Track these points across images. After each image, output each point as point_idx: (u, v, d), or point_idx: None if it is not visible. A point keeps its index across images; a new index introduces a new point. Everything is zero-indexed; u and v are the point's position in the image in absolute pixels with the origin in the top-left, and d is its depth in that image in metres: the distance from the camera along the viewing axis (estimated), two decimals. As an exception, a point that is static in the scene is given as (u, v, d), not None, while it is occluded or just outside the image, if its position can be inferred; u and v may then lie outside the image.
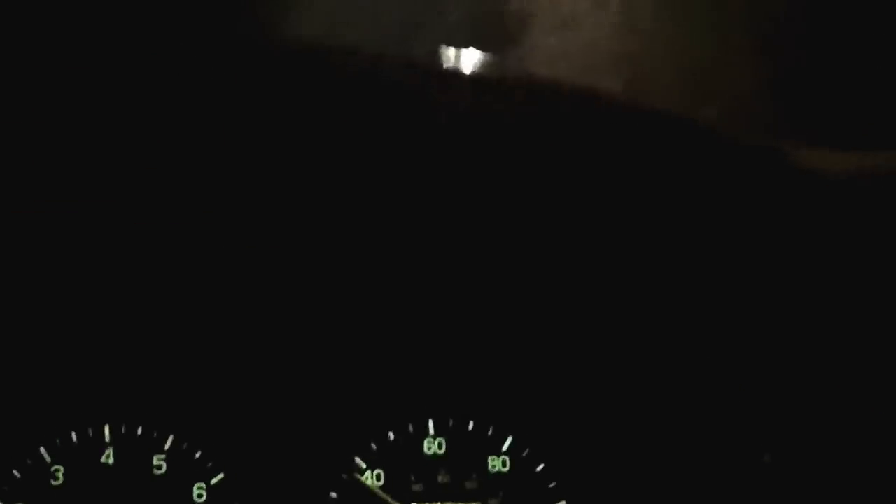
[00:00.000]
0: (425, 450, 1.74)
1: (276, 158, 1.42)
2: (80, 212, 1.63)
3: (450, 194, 1.68)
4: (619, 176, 1.46)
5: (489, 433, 1.75)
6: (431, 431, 1.74)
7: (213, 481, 1.72)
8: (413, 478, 1.73)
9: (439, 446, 1.74)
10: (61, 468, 1.72)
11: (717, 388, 1.67)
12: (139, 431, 1.74)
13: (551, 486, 1.73)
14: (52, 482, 1.71)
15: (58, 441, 1.73)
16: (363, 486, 1.72)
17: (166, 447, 1.73)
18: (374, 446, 1.73)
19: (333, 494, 1.71)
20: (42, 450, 1.73)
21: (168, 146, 1.38)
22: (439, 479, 1.73)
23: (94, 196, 1.52)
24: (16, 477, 1.71)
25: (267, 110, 1.30)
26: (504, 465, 1.74)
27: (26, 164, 1.39)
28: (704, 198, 1.45)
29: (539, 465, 1.74)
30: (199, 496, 1.72)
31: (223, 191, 1.55)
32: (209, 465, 1.72)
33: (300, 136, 1.37)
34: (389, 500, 1.70)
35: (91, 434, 1.74)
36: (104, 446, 1.73)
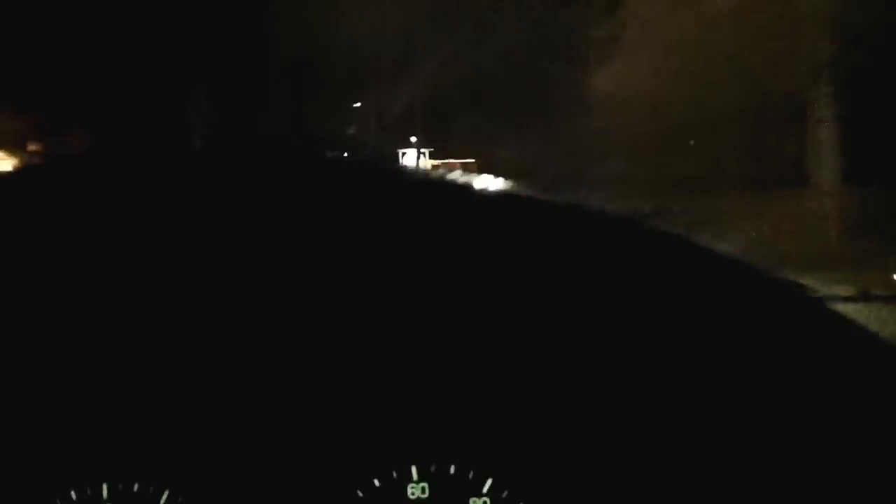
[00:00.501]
0: (409, 495, 1.81)
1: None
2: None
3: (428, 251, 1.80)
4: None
5: (470, 476, 1.82)
6: (415, 476, 1.82)
7: (208, 534, 1.79)
8: (399, 522, 1.80)
9: (423, 490, 1.81)
10: (59, 527, 1.80)
11: (705, 436, 1.75)
12: (135, 488, 1.82)
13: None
14: (53, 541, 1.79)
15: (57, 500, 1.81)
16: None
17: (161, 502, 1.81)
18: (360, 493, 1.80)
19: (323, 541, 1.78)
20: (43, 510, 1.81)
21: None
22: (424, 522, 1.80)
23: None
24: (16, 537, 1.78)
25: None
26: (486, 505, 1.81)
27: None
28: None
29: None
30: (195, 549, 1.79)
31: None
32: (204, 517, 1.79)
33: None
34: None
35: (89, 492, 1.82)
36: (102, 503, 1.81)
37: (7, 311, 1.81)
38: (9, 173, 1.86)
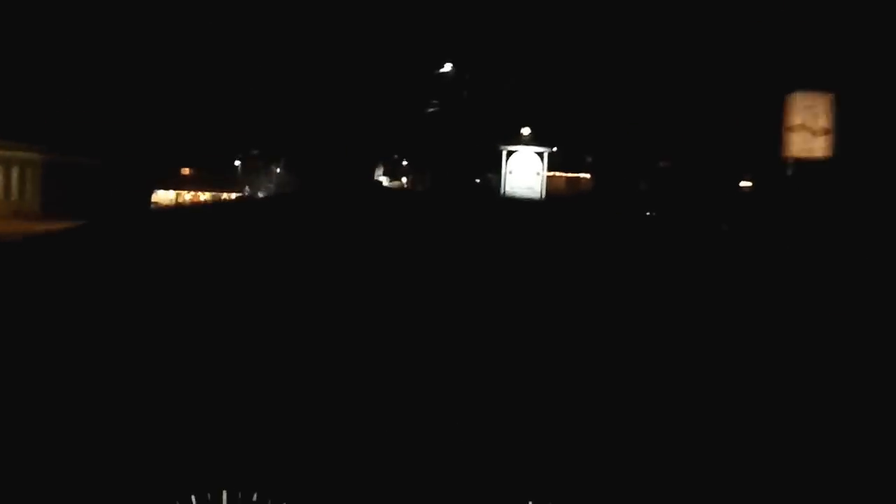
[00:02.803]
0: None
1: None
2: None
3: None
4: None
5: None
6: (528, 511, 1.86)
7: (323, 548, 1.83)
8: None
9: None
10: (179, 530, 1.85)
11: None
12: (254, 497, 1.87)
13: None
14: (171, 544, 1.84)
15: (177, 502, 1.86)
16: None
17: (280, 513, 1.86)
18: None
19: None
20: (163, 511, 1.86)
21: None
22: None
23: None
24: (137, 538, 1.83)
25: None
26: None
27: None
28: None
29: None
30: (310, 562, 1.83)
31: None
32: (319, 532, 1.84)
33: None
34: None
35: (209, 498, 1.87)
36: (221, 510, 1.86)
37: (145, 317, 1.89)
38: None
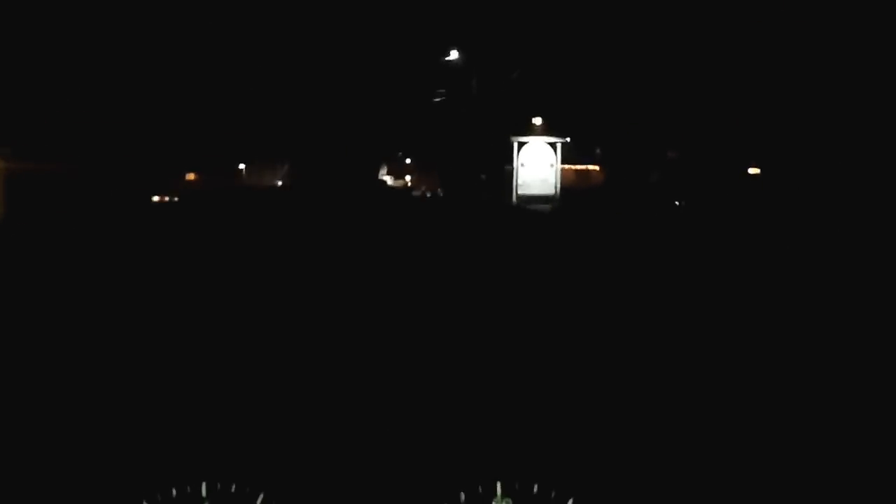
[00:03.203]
0: (494, 509, 1.89)
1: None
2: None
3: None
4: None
5: (552, 495, 1.89)
6: (499, 492, 1.89)
7: (300, 536, 1.88)
8: (482, 534, 1.87)
9: (506, 505, 1.89)
10: (161, 521, 1.90)
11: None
12: (233, 488, 1.91)
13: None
14: (153, 533, 1.88)
15: (159, 496, 1.91)
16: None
17: (257, 503, 1.90)
18: (445, 505, 1.89)
19: (410, 550, 1.85)
20: (144, 503, 1.90)
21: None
22: (506, 536, 1.87)
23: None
24: (120, 528, 1.88)
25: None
26: (565, 525, 1.88)
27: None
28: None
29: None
30: (287, 550, 1.87)
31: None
32: (296, 520, 1.88)
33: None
34: None
35: (189, 490, 1.91)
36: (201, 501, 1.90)
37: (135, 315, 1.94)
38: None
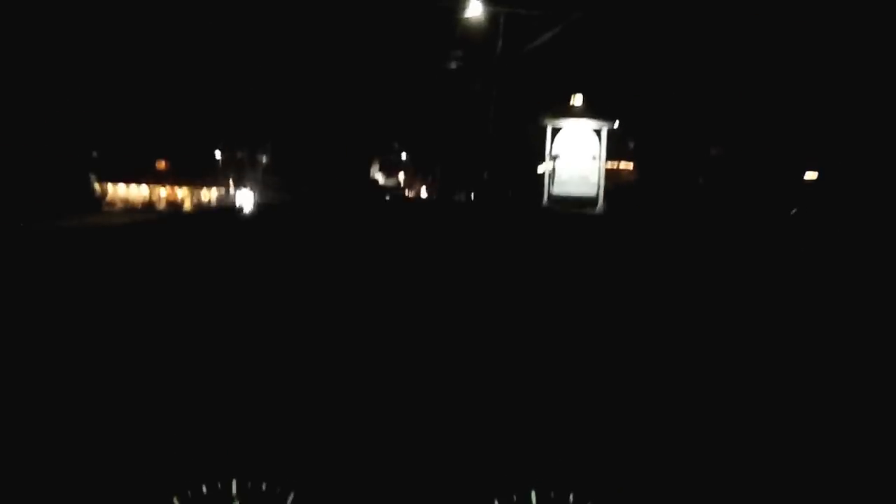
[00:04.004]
0: (527, 519, 1.85)
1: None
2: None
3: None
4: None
5: (588, 505, 1.85)
6: (534, 501, 1.85)
7: (330, 537, 1.85)
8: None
9: (541, 515, 1.85)
10: (191, 517, 1.88)
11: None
12: (263, 487, 1.89)
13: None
14: (183, 530, 1.87)
15: (189, 492, 1.89)
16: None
17: (288, 503, 1.87)
18: (480, 513, 1.85)
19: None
20: (175, 500, 1.88)
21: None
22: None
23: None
24: (150, 524, 1.86)
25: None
26: (601, 536, 1.83)
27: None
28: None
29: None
30: (317, 550, 1.84)
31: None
32: (327, 521, 1.85)
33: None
34: None
35: (220, 487, 1.89)
36: (231, 499, 1.88)
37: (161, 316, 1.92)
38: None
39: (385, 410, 1.88)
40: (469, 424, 1.87)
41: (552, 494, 1.86)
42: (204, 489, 1.89)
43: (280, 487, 1.88)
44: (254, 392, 1.92)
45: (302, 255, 2.05)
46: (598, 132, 16.28)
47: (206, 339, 1.93)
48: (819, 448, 1.79)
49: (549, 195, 16.59)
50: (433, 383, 1.89)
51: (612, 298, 1.93)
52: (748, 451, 1.81)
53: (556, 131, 16.12)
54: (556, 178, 16.49)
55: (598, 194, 16.63)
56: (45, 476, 1.85)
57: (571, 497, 1.85)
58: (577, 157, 16.41)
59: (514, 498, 1.86)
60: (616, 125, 16.55)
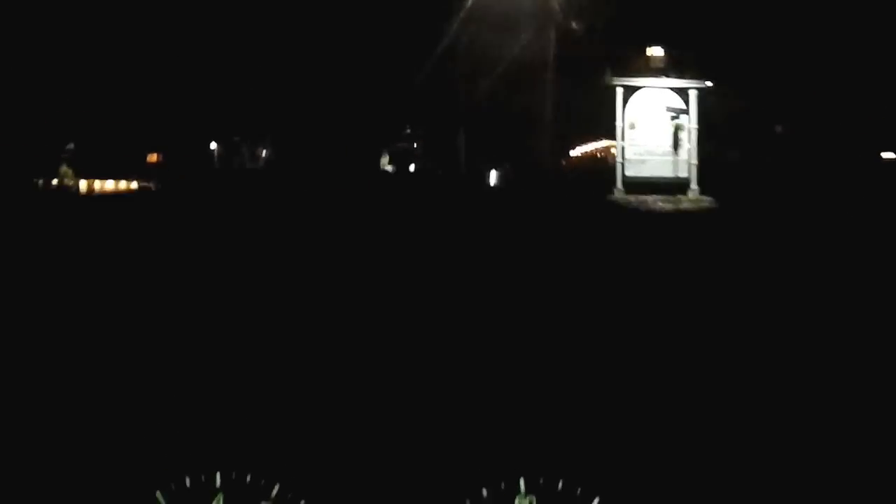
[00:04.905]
0: (517, 506, 1.83)
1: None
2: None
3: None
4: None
5: (577, 493, 1.82)
6: (522, 489, 1.83)
7: (316, 528, 1.82)
8: (505, 531, 1.80)
9: (530, 503, 1.82)
10: (175, 510, 1.85)
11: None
12: (248, 479, 1.86)
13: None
14: (167, 523, 1.84)
15: (173, 485, 1.86)
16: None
17: (273, 495, 1.85)
18: (468, 501, 1.82)
19: (430, 546, 1.79)
20: (158, 493, 1.85)
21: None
22: (529, 533, 1.80)
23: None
24: (134, 517, 1.83)
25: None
26: (590, 523, 1.81)
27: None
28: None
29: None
30: (302, 542, 1.82)
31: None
32: (312, 513, 1.83)
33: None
34: None
35: (203, 480, 1.86)
36: (215, 492, 1.85)
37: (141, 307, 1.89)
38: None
39: (371, 399, 1.86)
40: (456, 412, 1.85)
41: (541, 482, 1.83)
42: (188, 481, 1.86)
43: (265, 479, 1.86)
44: (237, 383, 1.89)
45: (289, 244, 2.02)
46: (683, 93, 12.55)
47: (186, 332, 1.90)
48: (818, 445, 1.77)
49: (624, 178, 12.76)
50: (425, 370, 1.86)
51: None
52: (740, 432, 1.79)
53: (629, 92, 12.45)
54: (629, 156, 12.91)
55: (689, 176, 12.74)
56: (27, 468, 1.82)
57: (560, 484, 1.83)
58: (656, 126, 12.68)
59: (503, 486, 1.83)
60: (710, 84, 12.57)
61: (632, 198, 11.92)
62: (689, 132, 12.83)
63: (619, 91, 12.19)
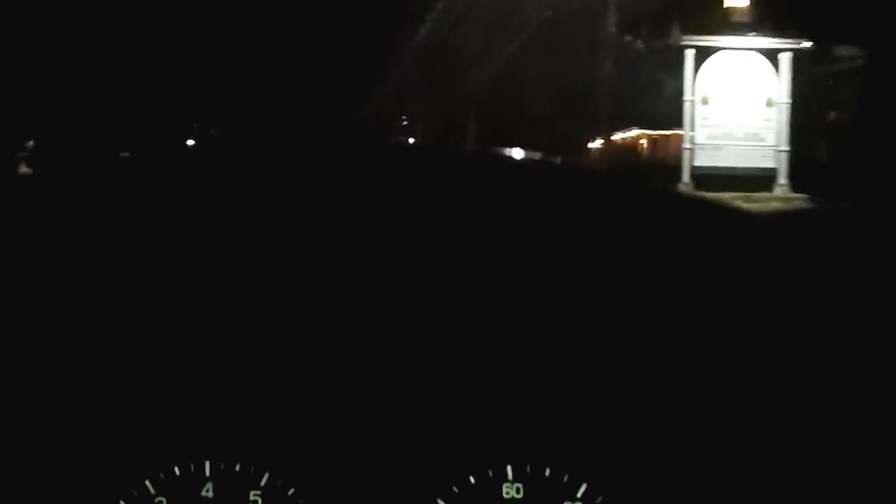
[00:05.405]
0: (504, 494, 1.84)
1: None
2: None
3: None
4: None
5: (564, 480, 1.84)
6: (510, 476, 1.85)
7: (305, 517, 1.84)
8: (492, 521, 1.81)
9: (517, 491, 1.84)
10: (164, 500, 1.86)
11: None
12: (237, 468, 1.87)
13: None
14: (155, 512, 1.84)
15: (162, 475, 1.87)
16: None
17: (262, 483, 1.86)
18: (455, 489, 1.84)
19: (417, 534, 1.81)
20: (147, 482, 1.86)
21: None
22: (517, 523, 1.82)
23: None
24: (122, 506, 1.84)
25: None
26: (578, 510, 1.83)
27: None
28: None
29: (611, 511, 1.81)
30: (292, 530, 1.83)
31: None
32: (302, 501, 1.84)
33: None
34: None
35: (193, 469, 1.87)
36: (204, 481, 1.86)
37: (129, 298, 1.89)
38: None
39: (358, 386, 1.87)
40: (443, 400, 1.86)
41: (528, 469, 1.85)
42: (176, 471, 1.87)
43: (254, 468, 1.87)
44: (225, 372, 1.90)
45: (270, 236, 2.01)
46: (772, 55, 9.73)
47: (173, 322, 1.89)
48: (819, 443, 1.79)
49: (693, 168, 10.42)
50: (409, 358, 1.87)
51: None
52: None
53: (702, 55, 9.69)
54: (701, 141, 10.20)
55: (776, 167, 10.20)
56: (13, 455, 1.82)
57: (547, 471, 1.85)
58: (740, 97, 9.89)
59: (490, 473, 1.85)
60: (810, 44, 9.61)
61: (704, 194, 8.74)
62: (780, 109, 10.11)
63: (690, 54, 9.60)
